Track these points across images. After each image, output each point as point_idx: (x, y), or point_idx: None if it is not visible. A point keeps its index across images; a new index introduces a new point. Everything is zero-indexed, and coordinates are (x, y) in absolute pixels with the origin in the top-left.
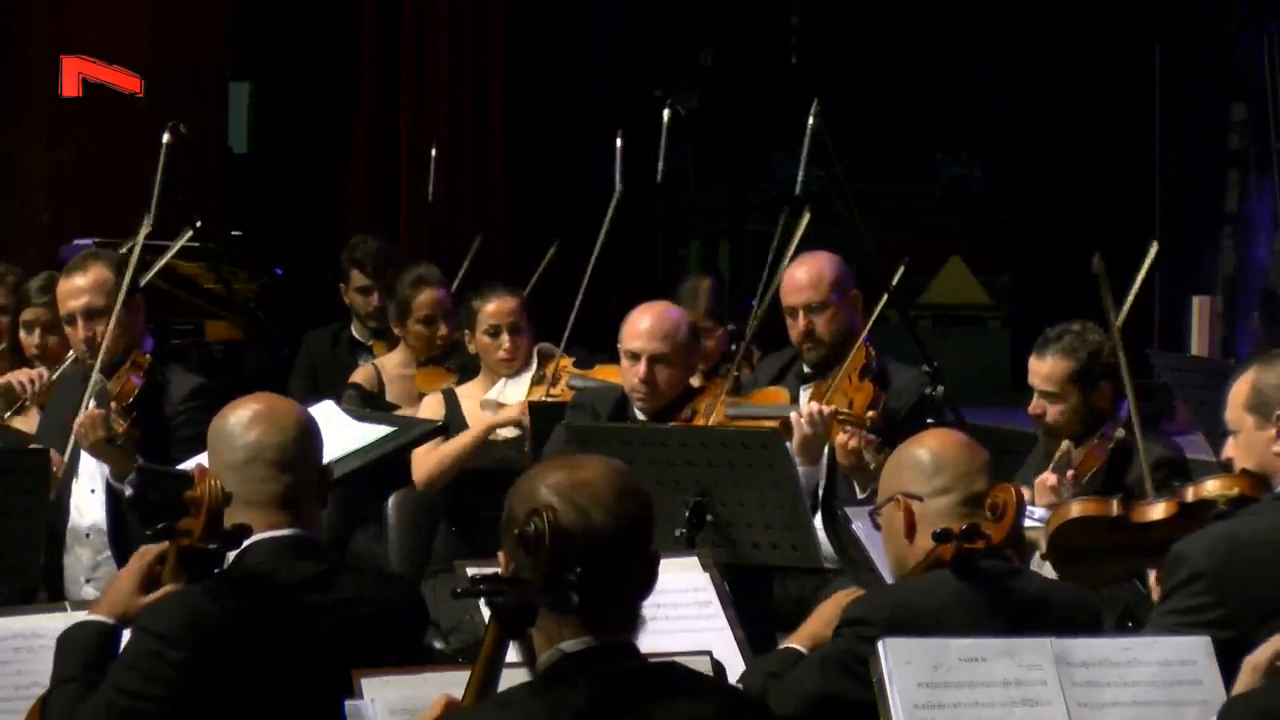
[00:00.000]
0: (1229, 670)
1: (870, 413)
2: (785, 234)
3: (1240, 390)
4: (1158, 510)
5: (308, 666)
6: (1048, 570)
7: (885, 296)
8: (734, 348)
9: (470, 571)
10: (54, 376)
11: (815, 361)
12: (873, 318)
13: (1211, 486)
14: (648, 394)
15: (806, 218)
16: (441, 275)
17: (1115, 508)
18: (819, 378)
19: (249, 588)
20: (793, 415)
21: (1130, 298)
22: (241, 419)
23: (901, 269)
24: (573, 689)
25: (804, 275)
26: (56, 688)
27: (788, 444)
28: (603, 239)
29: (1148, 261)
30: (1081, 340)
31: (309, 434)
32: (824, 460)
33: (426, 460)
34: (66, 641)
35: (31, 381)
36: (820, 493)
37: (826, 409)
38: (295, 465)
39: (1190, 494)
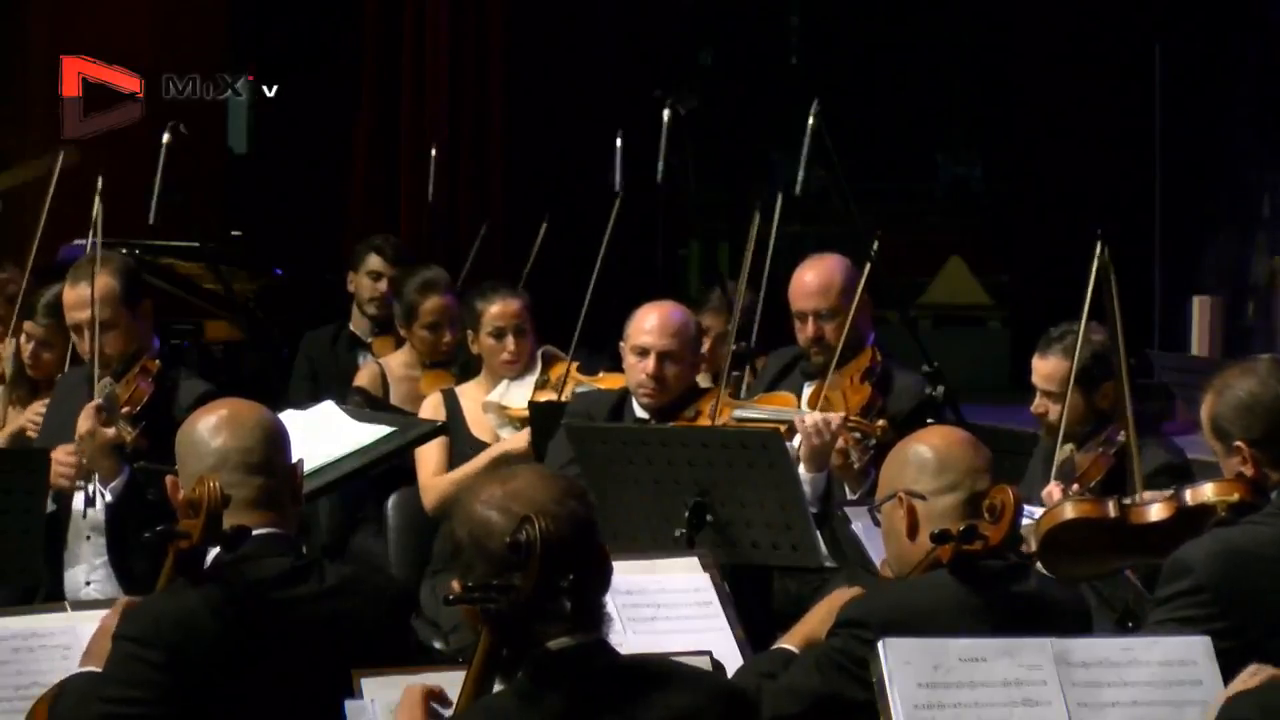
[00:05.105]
0: (1228, 677)
1: (881, 423)
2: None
3: (1204, 417)
4: (1155, 513)
5: (293, 660)
6: None
7: (869, 265)
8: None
9: None
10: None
11: (823, 366)
12: (860, 288)
13: (1210, 491)
14: (655, 389)
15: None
16: (449, 279)
17: (1112, 510)
18: (823, 375)
19: (225, 584)
20: (797, 420)
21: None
22: (208, 425)
23: (876, 243)
24: (559, 689)
25: (814, 280)
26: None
27: (790, 444)
28: (606, 243)
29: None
30: (1084, 340)
31: (274, 436)
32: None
33: (437, 487)
34: (63, 693)
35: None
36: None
37: (836, 419)
38: (263, 467)
39: (1189, 497)
